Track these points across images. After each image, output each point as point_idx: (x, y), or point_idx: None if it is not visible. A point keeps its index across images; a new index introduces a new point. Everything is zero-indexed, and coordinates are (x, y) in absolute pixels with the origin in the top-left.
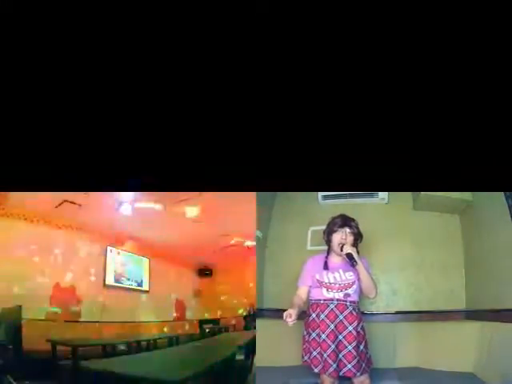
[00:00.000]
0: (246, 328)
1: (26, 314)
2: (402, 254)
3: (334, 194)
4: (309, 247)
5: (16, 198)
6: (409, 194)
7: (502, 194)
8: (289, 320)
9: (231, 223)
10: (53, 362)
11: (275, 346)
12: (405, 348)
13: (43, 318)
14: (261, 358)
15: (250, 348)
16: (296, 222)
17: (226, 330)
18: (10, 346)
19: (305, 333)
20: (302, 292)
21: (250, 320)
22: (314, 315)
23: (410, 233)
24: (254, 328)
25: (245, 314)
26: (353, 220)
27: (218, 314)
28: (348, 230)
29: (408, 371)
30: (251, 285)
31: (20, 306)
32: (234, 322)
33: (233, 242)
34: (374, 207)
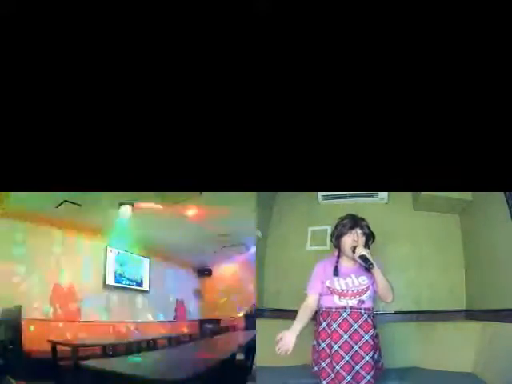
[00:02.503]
0: (246, 328)
1: (26, 314)
2: (401, 254)
3: (334, 194)
4: (309, 247)
5: (16, 198)
6: (409, 194)
7: (502, 193)
8: (282, 347)
9: (231, 223)
10: (53, 362)
11: (275, 346)
12: (405, 348)
13: (43, 317)
14: (261, 358)
15: (250, 348)
16: (296, 222)
17: (226, 329)
18: (10, 346)
19: (315, 342)
20: (312, 301)
21: (250, 320)
22: (324, 324)
23: (410, 233)
24: (254, 328)
25: (245, 313)
26: (363, 219)
27: (218, 314)
28: (359, 230)
29: (408, 371)
30: (251, 285)
31: (20, 306)
32: (234, 322)
33: (233, 242)
34: (374, 207)
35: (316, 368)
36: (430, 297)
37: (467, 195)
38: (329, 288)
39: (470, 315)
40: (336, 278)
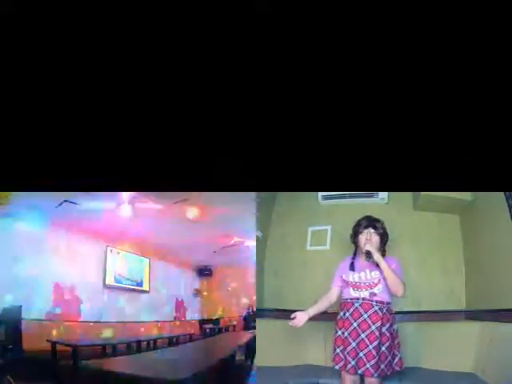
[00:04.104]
0: (246, 328)
1: (26, 314)
2: (401, 254)
3: (334, 194)
4: (309, 247)
5: (16, 197)
6: (409, 194)
7: (502, 193)
8: (294, 322)
9: (231, 223)
10: (53, 362)
11: (275, 346)
12: (405, 348)
13: (43, 318)
14: (261, 358)
15: (250, 348)
16: (296, 222)
17: (226, 329)
18: (10, 346)
19: (334, 331)
20: (332, 293)
21: (250, 320)
22: (341, 314)
23: (410, 233)
24: (254, 328)
25: (245, 313)
26: (378, 221)
27: (218, 314)
28: (372, 230)
29: (408, 371)
30: (251, 285)
31: (20, 306)
32: (234, 322)
33: (233, 242)
34: (374, 207)
35: (333, 355)
36: (429, 297)
37: (467, 195)
38: (345, 281)
39: (470, 315)
40: (351, 272)
